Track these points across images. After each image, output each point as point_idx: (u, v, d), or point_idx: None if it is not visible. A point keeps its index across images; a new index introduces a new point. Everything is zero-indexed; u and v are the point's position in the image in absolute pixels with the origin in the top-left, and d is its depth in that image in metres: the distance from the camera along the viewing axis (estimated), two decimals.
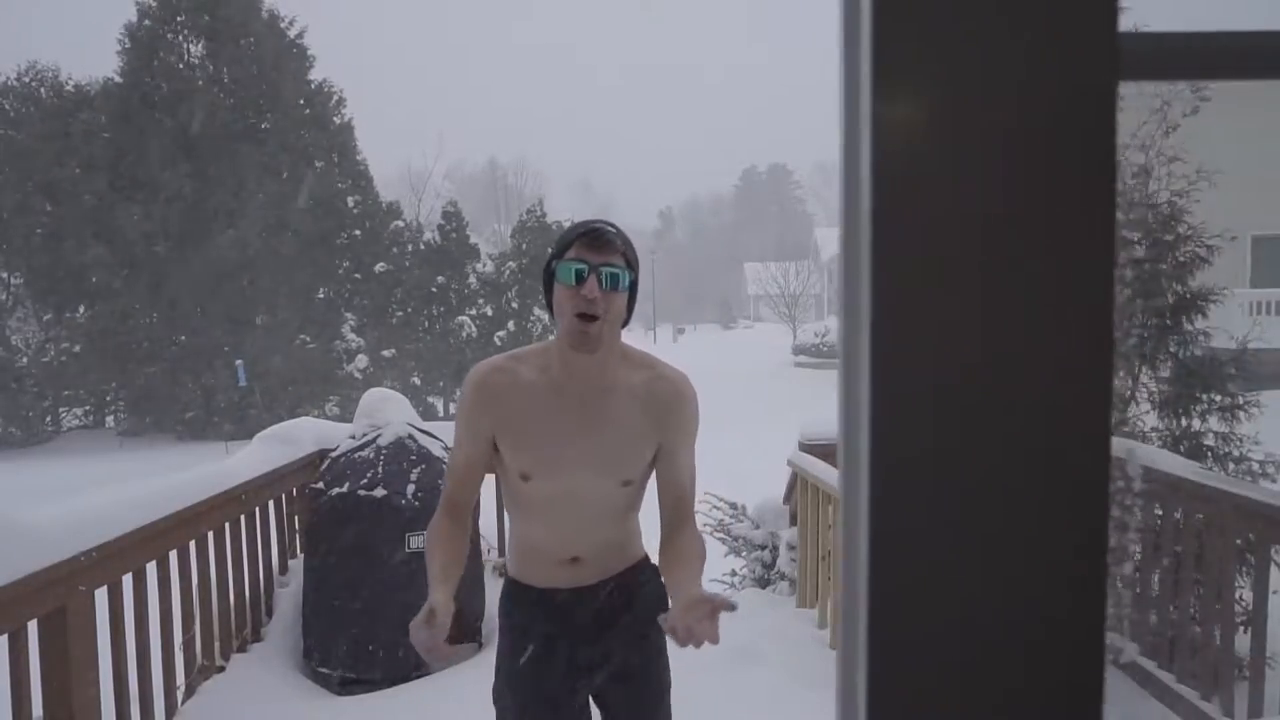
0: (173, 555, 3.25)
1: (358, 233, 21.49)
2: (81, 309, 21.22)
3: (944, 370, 0.33)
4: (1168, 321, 5.20)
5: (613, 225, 1.74)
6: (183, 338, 20.66)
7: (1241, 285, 15.21)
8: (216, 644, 3.62)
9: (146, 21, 21.36)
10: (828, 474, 3.97)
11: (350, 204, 21.55)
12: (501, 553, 4.55)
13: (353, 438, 4.23)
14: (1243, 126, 12.30)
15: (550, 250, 1.77)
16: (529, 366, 1.80)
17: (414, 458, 4.10)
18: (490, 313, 21.33)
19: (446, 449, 4.24)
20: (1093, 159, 0.32)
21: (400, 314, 21.54)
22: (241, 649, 3.83)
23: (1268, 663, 3.33)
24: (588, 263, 1.67)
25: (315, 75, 22.76)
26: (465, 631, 4.14)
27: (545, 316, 21.13)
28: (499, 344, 20.68)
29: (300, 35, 22.70)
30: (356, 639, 3.89)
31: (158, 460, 15.50)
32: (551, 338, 1.81)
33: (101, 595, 2.73)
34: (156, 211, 19.89)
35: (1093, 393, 0.32)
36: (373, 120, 26.97)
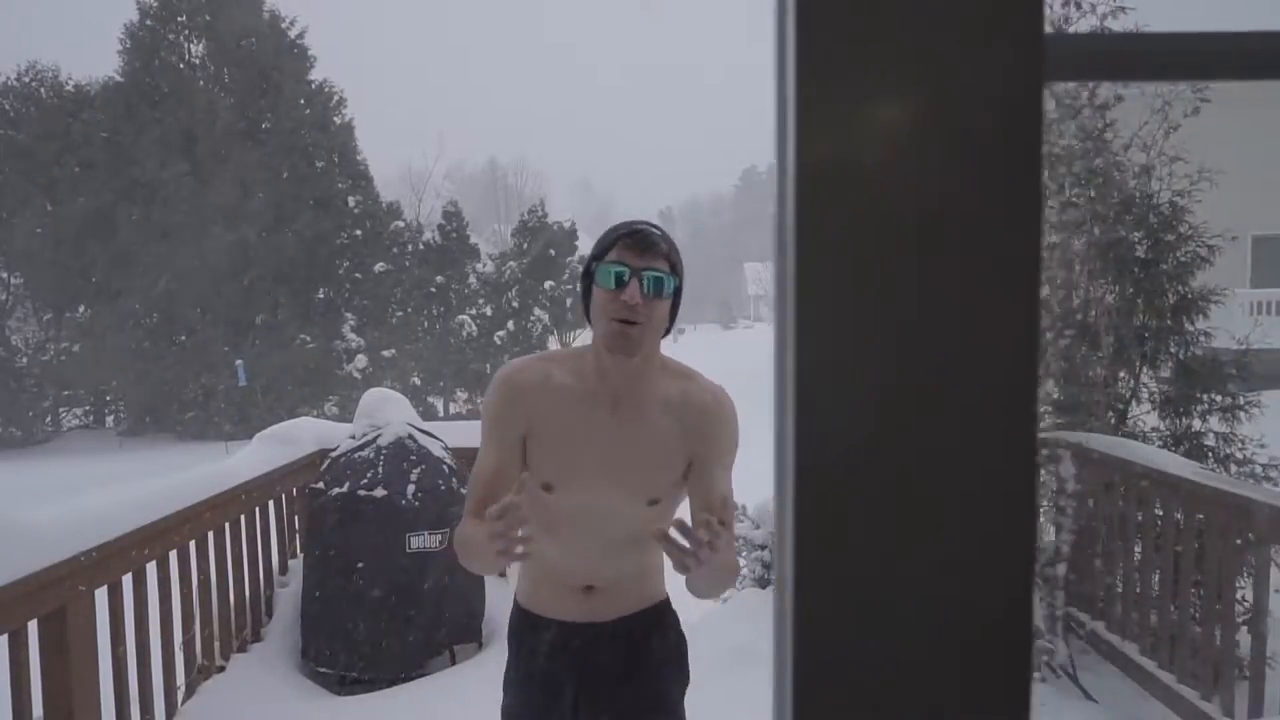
0: (173, 555, 3.25)
1: (358, 233, 21.49)
2: (81, 309, 21.23)
3: (868, 375, 0.32)
4: (1168, 321, 5.20)
5: (657, 227, 1.62)
6: (183, 338, 20.66)
7: (1242, 285, 15.21)
8: (216, 644, 3.62)
9: (147, 21, 21.37)
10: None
11: (350, 204, 21.55)
12: None
13: (353, 438, 4.23)
14: (1243, 126, 12.30)
15: (591, 252, 1.66)
16: (562, 370, 1.69)
17: (414, 458, 4.10)
18: (490, 313, 21.33)
19: (447, 449, 4.24)
20: (1019, 160, 0.31)
21: (400, 314, 21.54)
22: (241, 649, 3.83)
23: (1268, 663, 3.33)
24: (629, 266, 1.55)
25: (315, 75, 22.77)
26: (465, 631, 4.14)
27: (545, 316, 21.16)
28: (499, 344, 20.69)
29: (300, 35, 22.71)
30: (356, 639, 3.89)
31: (158, 460, 15.50)
32: (582, 344, 1.72)
33: (101, 595, 2.73)
34: (156, 211, 19.89)
35: (1019, 396, 0.32)
36: (373, 120, 26.98)
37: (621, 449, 1.63)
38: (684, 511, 1.67)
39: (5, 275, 21.61)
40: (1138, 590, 3.99)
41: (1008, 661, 0.33)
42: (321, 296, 21.55)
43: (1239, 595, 3.54)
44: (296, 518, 4.36)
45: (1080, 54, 0.34)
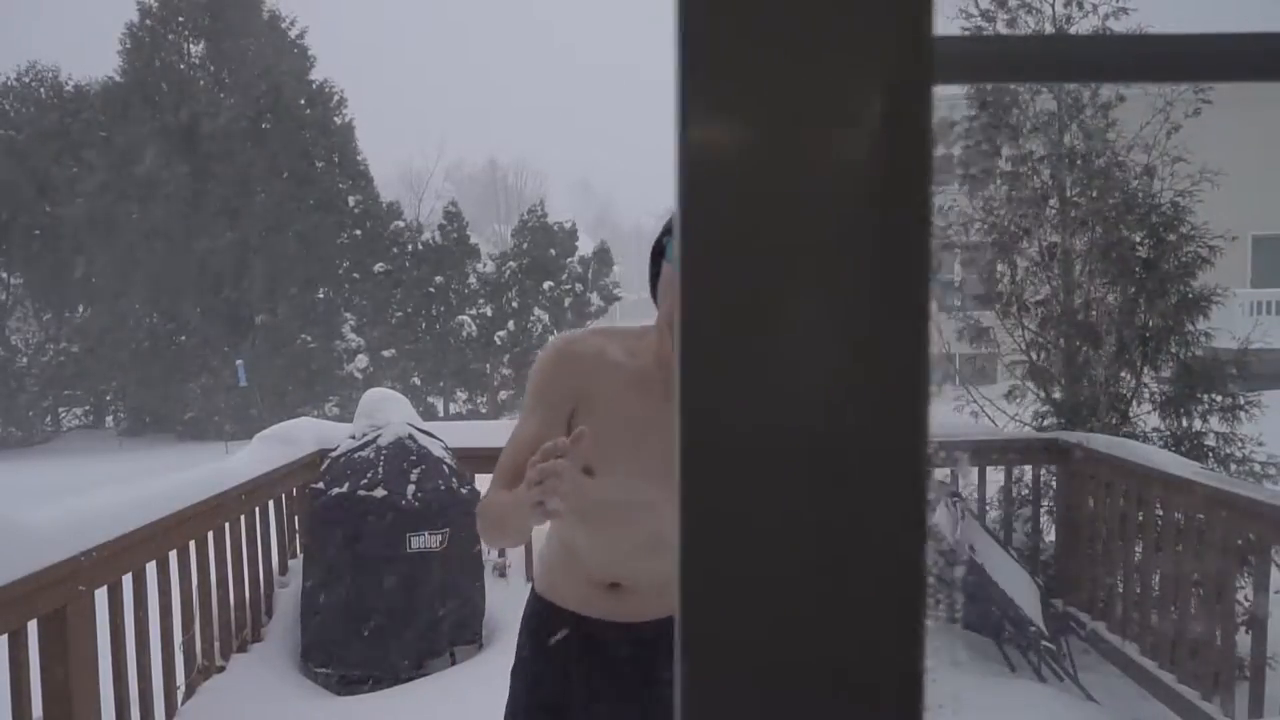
0: (173, 555, 3.25)
1: (358, 233, 21.49)
2: (81, 309, 21.22)
3: (753, 393, 0.32)
4: (1169, 321, 5.20)
5: None
6: (183, 338, 20.66)
7: (1242, 285, 15.22)
8: (216, 644, 3.62)
9: (147, 21, 21.36)
10: None
11: (350, 204, 21.55)
12: (502, 553, 4.55)
13: (353, 438, 4.22)
14: (1244, 127, 12.30)
15: (664, 225, 1.53)
16: (618, 347, 1.56)
17: (414, 458, 4.10)
18: (490, 313, 21.32)
19: (447, 449, 4.23)
20: (906, 163, 0.31)
21: (400, 314, 21.53)
22: (241, 649, 3.82)
23: (1268, 663, 3.33)
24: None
25: (315, 75, 22.75)
26: (465, 632, 4.13)
27: (545, 316, 21.15)
28: (499, 344, 20.69)
29: (300, 35, 22.70)
30: (356, 639, 3.89)
31: (158, 460, 15.49)
32: (642, 323, 1.58)
33: (101, 595, 2.72)
34: (156, 211, 19.88)
35: (909, 414, 0.32)
36: (373, 120, 26.94)
37: (668, 439, 1.56)
38: None
39: (5, 275, 21.61)
40: (1138, 590, 3.99)
41: (899, 705, 0.32)
42: (321, 296, 21.54)
43: (1239, 595, 3.54)
44: (296, 518, 4.36)
45: (969, 55, 0.34)
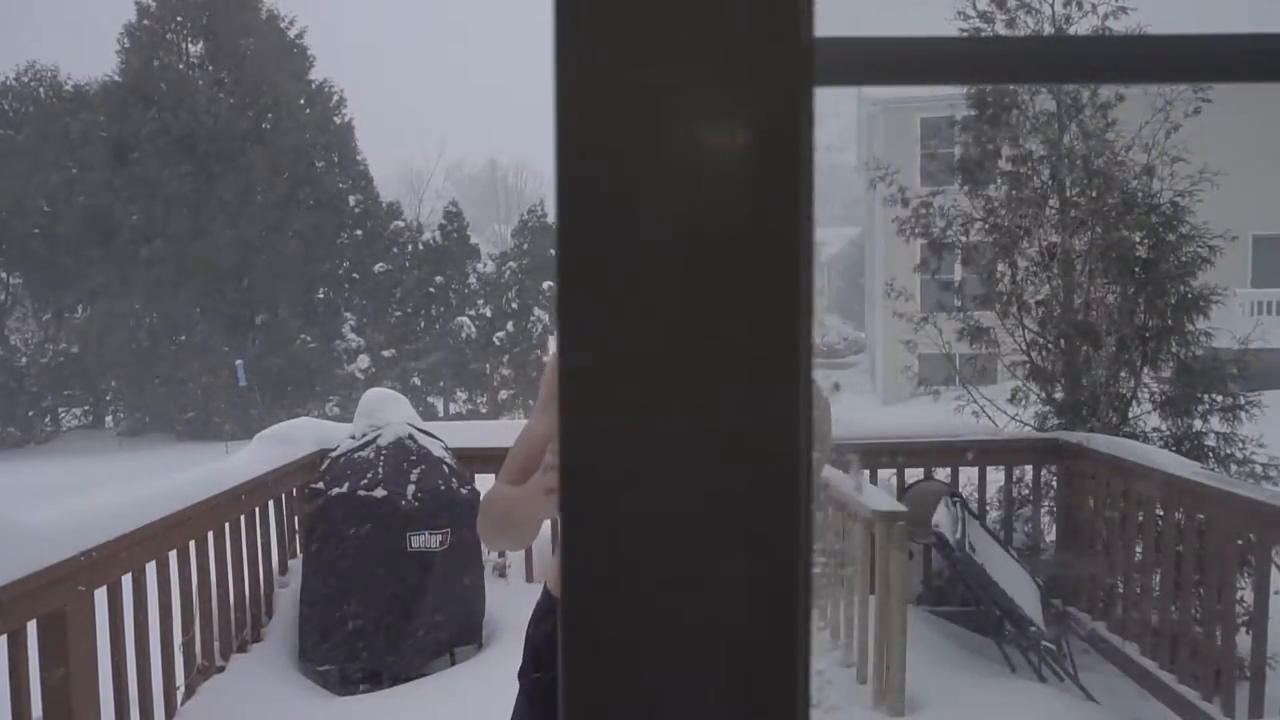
0: (173, 555, 3.24)
1: (358, 233, 21.49)
2: (81, 309, 21.22)
3: (628, 399, 0.32)
4: (1169, 322, 5.20)
5: None
6: (183, 338, 20.66)
7: (1243, 285, 15.22)
8: (216, 644, 3.62)
9: (145, 21, 21.35)
10: (826, 474, 3.97)
11: (350, 204, 21.55)
12: (502, 553, 4.55)
13: (353, 438, 4.22)
14: (1244, 126, 12.30)
15: None
16: None
17: (414, 458, 4.10)
18: (490, 313, 21.33)
19: (447, 449, 4.23)
20: (784, 166, 0.31)
21: (400, 314, 21.53)
22: (241, 649, 3.82)
23: (1269, 663, 3.33)
24: None
25: (315, 75, 22.76)
26: (465, 632, 4.13)
27: (545, 316, 21.15)
28: (499, 344, 20.69)
29: (300, 35, 22.70)
30: (357, 639, 3.89)
31: (158, 460, 15.49)
32: None
33: (101, 595, 2.72)
34: (156, 211, 19.88)
35: (785, 418, 0.31)
36: (373, 120, 26.95)
37: None
38: None
39: (5, 275, 21.61)
40: (1138, 590, 3.99)
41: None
42: (321, 296, 21.55)
43: (1239, 595, 3.54)
44: (296, 518, 4.36)
45: (849, 57, 0.33)
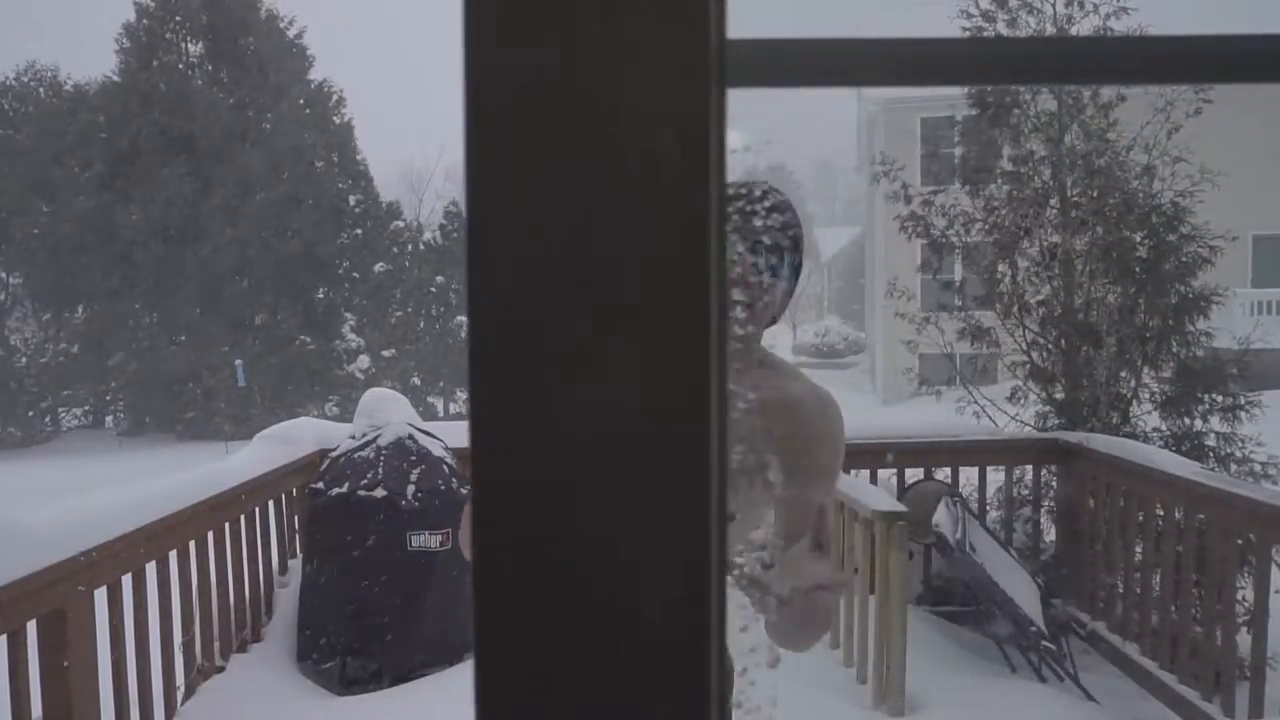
0: (173, 555, 3.24)
1: (358, 232, 21.50)
2: (81, 309, 21.23)
3: (537, 409, 0.32)
4: (1170, 322, 5.20)
5: (779, 192, 1.36)
6: (183, 338, 20.67)
7: (1243, 285, 15.22)
8: (216, 644, 3.62)
9: (145, 21, 21.36)
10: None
11: (350, 204, 21.56)
12: None
13: (353, 438, 4.22)
14: (1244, 126, 12.30)
15: None
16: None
17: (414, 458, 4.10)
18: None
19: (447, 449, 4.23)
20: (689, 169, 0.31)
21: (400, 314, 21.54)
22: (241, 649, 3.82)
23: (1269, 663, 3.33)
24: (741, 235, 1.31)
25: (315, 75, 22.77)
26: (466, 632, 4.13)
27: None
28: None
29: (300, 35, 22.71)
30: (357, 639, 3.89)
31: (158, 460, 15.50)
32: None
33: (101, 595, 2.72)
34: (156, 211, 19.89)
35: (692, 434, 0.31)
36: (373, 120, 26.96)
37: None
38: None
39: (4, 275, 21.61)
40: (1138, 590, 3.99)
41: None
42: (321, 296, 21.55)
43: (1239, 595, 3.54)
44: (296, 518, 4.36)
45: (758, 58, 0.33)
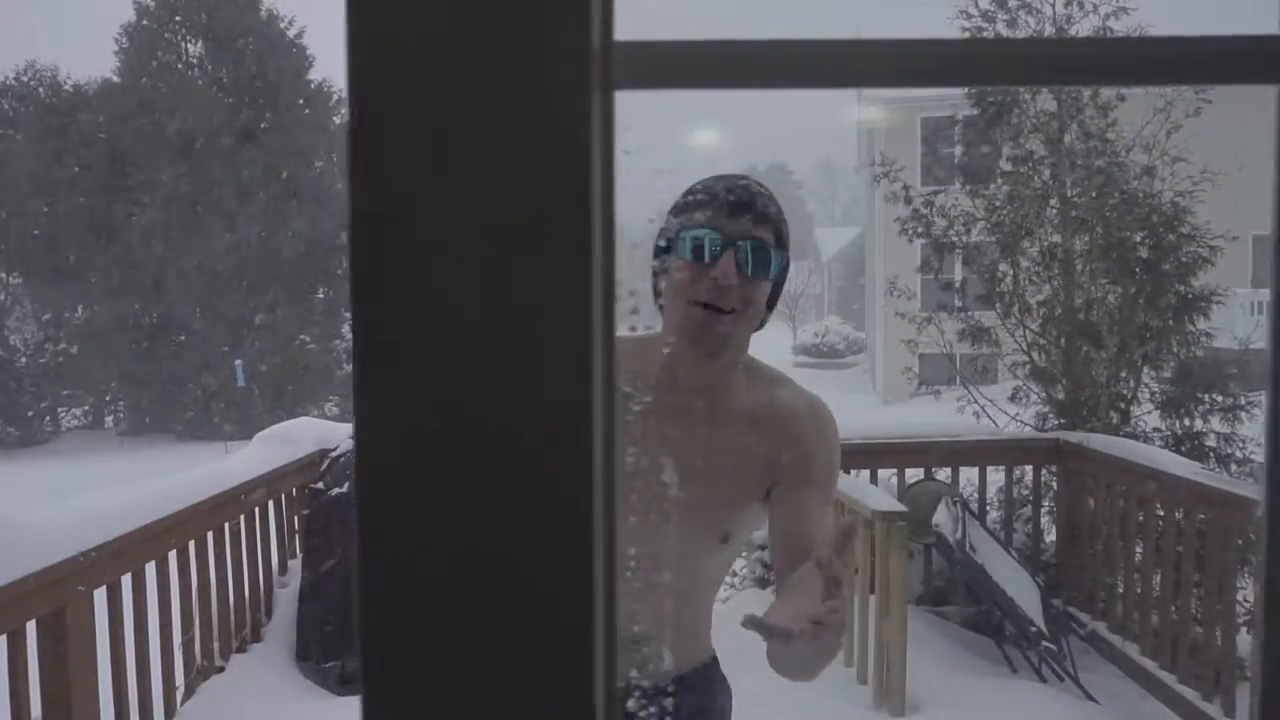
0: (172, 555, 3.24)
1: None
2: (81, 309, 21.21)
3: (420, 413, 0.32)
4: (1170, 322, 5.20)
5: (762, 186, 1.26)
6: (183, 338, 20.66)
7: (1243, 285, 15.21)
8: (216, 644, 3.62)
9: (144, 21, 21.35)
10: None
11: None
12: None
13: (353, 438, 4.22)
14: (1244, 126, 12.29)
15: (670, 213, 1.28)
16: (618, 369, 1.35)
17: None
18: None
19: None
20: (571, 173, 0.31)
21: None
22: (241, 649, 3.82)
23: None
24: (723, 233, 1.20)
25: (315, 75, 22.75)
26: None
27: None
28: None
29: (300, 35, 22.69)
30: (356, 639, 3.89)
31: (158, 460, 15.50)
32: (650, 329, 1.35)
33: (101, 595, 2.72)
34: (155, 211, 19.88)
35: (576, 430, 0.31)
36: None
37: (691, 474, 1.26)
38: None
39: (4, 275, 21.61)
40: (1138, 591, 3.99)
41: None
42: (321, 296, 21.54)
43: (1240, 595, 3.54)
44: (296, 518, 4.36)
45: (649, 60, 0.33)
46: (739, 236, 1.20)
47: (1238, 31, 0.37)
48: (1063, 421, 5.35)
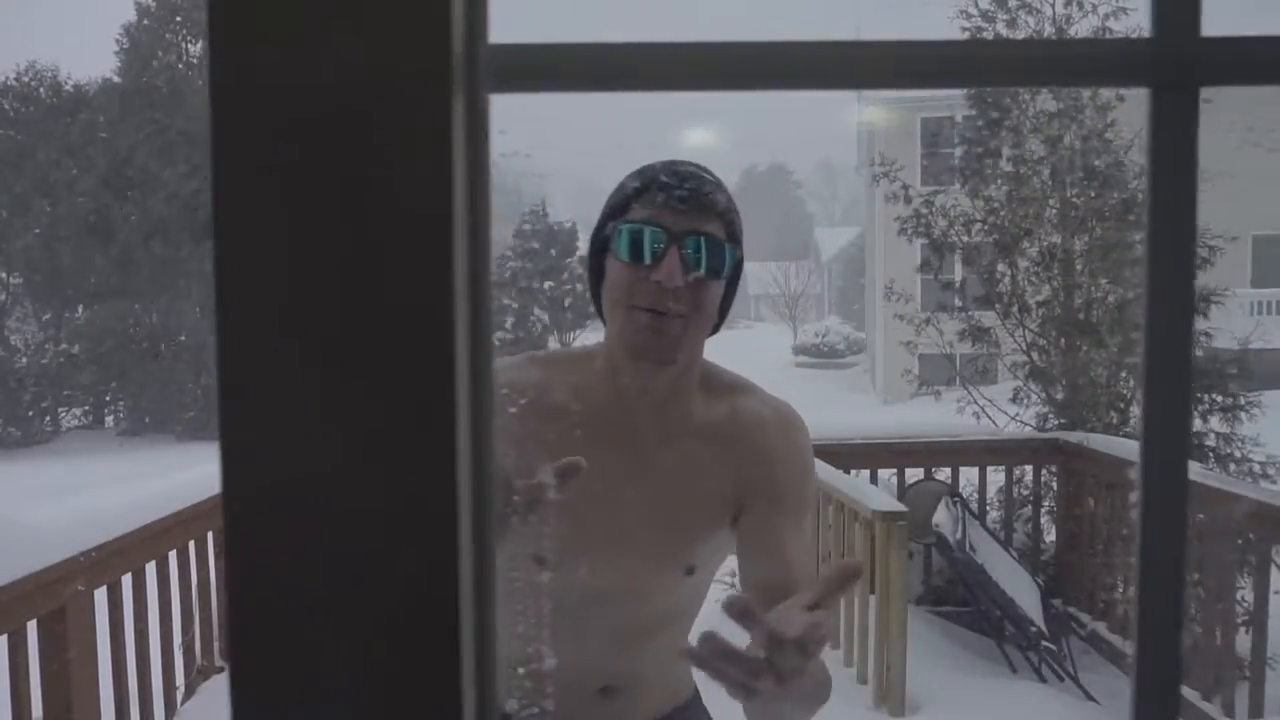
0: (172, 555, 3.25)
1: None
2: (80, 309, 21.22)
3: (285, 420, 0.33)
4: None
5: (707, 171, 1.10)
6: (182, 338, 20.67)
7: (1243, 285, 15.22)
8: (216, 644, 3.62)
9: (145, 21, 21.36)
10: (826, 474, 3.97)
11: None
12: None
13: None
14: (1244, 126, 12.30)
15: (604, 208, 1.11)
16: (560, 382, 1.14)
17: None
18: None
19: None
20: (430, 180, 0.31)
21: None
22: None
23: (1269, 663, 3.33)
24: (666, 228, 1.03)
25: None
26: None
27: (545, 316, 21.16)
28: (498, 344, 20.65)
29: None
30: None
31: (158, 460, 15.50)
32: (591, 342, 1.22)
33: (101, 595, 2.72)
34: (156, 211, 19.88)
35: (438, 443, 0.31)
36: None
37: (647, 501, 1.12)
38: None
39: (4, 275, 21.61)
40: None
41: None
42: None
43: (1239, 595, 3.54)
44: None
45: (521, 63, 0.33)
46: (686, 231, 1.03)
47: (1239, 32, 0.37)
48: (1063, 421, 5.35)
